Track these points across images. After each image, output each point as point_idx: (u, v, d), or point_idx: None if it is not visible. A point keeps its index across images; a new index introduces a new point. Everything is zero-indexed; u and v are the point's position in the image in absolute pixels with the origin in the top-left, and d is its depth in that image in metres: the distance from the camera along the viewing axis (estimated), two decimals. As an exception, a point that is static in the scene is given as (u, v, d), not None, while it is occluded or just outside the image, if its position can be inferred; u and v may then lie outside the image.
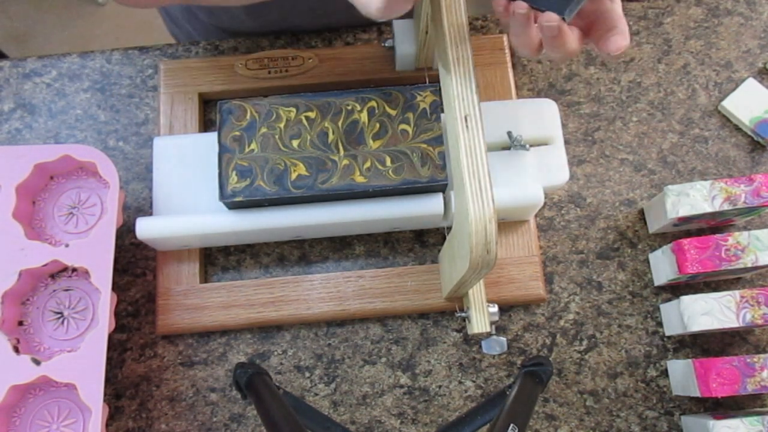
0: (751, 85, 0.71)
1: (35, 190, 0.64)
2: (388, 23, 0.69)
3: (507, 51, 0.71)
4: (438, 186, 0.58)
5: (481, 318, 0.57)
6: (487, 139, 0.62)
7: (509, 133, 0.61)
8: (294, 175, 0.57)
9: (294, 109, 0.58)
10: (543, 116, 0.63)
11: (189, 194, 0.63)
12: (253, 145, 0.57)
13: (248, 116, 0.58)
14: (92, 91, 0.73)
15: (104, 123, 0.71)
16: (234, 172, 0.57)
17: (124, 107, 0.72)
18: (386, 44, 0.67)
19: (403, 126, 0.58)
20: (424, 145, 0.57)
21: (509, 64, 0.71)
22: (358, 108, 0.58)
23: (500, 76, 0.70)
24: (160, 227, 0.60)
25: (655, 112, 0.71)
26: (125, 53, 0.74)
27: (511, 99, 0.69)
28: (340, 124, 0.58)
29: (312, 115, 0.58)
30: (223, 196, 0.56)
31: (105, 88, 0.73)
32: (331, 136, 0.58)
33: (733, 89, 0.71)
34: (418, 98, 0.59)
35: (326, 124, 0.58)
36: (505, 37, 0.71)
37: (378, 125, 0.58)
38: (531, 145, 0.62)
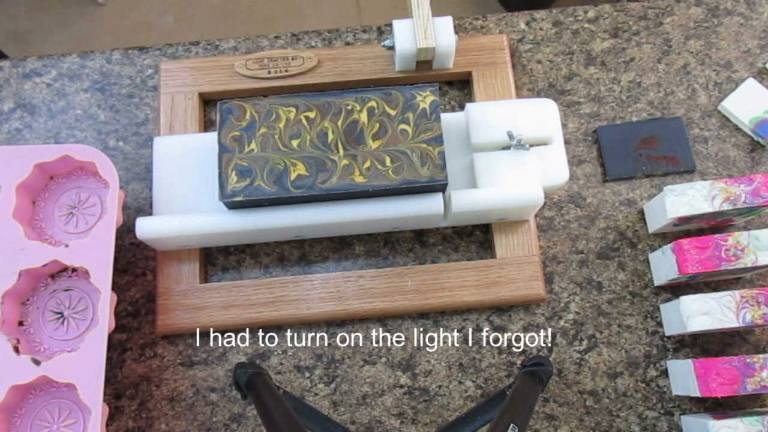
0: (751, 85, 0.71)
1: (35, 190, 0.64)
2: (388, 23, 0.69)
3: (507, 51, 0.71)
4: (438, 186, 0.58)
5: None
6: (487, 139, 0.62)
7: (509, 133, 0.61)
8: (294, 175, 0.57)
9: (294, 109, 0.58)
10: (543, 116, 0.63)
11: (189, 194, 0.63)
12: (252, 145, 0.57)
13: (248, 116, 0.58)
14: (92, 91, 0.73)
15: (104, 123, 0.71)
16: (234, 172, 0.57)
17: (124, 107, 0.72)
18: (386, 44, 0.67)
19: (402, 126, 0.58)
20: (424, 145, 0.57)
21: (509, 64, 0.71)
22: (358, 108, 0.58)
23: (500, 76, 0.70)
24: (160, 227, 0.60)
25: (655, 112, 0.71)
26: (125, 53, 0.74)
27: (511, 99, 0.69)
28: (339, 124, 0.58)
29: (312, 115, 0.58)
30: (223, 195, 0.56)
31: (105, 88, 0.73)
32: (330, 136, 0.58)
33: (733, 89, 0.71)
34: (418, 98, 0.59)
35: (326, 124, 0.58)
36: (504, 37, 0.72)
37: (378, 125, 0.58)
38: (531, 145, 0.62)
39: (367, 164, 0.57)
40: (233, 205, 0.58)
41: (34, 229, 0.63)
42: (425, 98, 0.59)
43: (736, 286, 0.66)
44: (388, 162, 0.57)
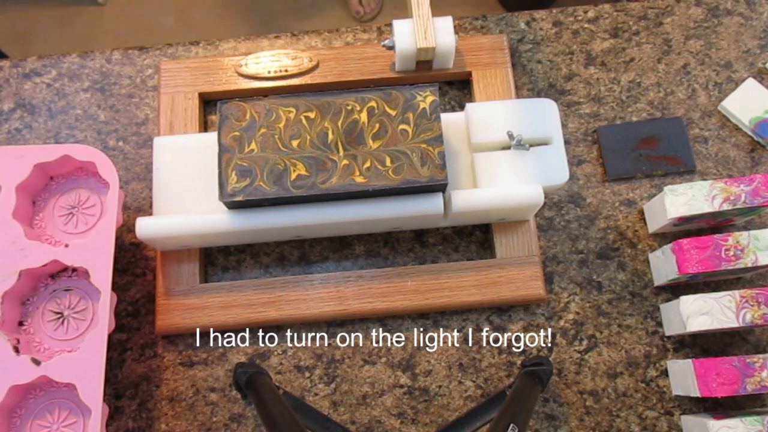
0: (751, 85, 0.71)
1: (35, 190, 0.64)
2: (388, 23, 0.69)
3: (507, 51, 0.71)
4: (438, 186, 0.58)
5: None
6: (487, 139, 0.62)
7: (509, 133, 0.61)
8: (294, 175, 0.57)
9: (294, 109, 0.58)
10: (543, 116, 0.63)
11: (189, 194, 0.63)
12: (252, 145, 0.57)
13: (248, 116, 0.58)
14: (92, 91, 0.73)
15: (104, 123, 0.71)
16: (234, 172, 0.57)
17: (124, 107, 0.72)
18: (386, 44, 0.67)
19: (402, 126, 0.58)
20: (424, 145, 0.57)
21: (509, 64, 0.71)
22: (358, 108, 0.58)
23: (500, 76, 0.70)
24: (160, 227, 0.60)
25: (655, 112, 0.71)
26: (125, 53, 0.74)
27: (511, 99, 0.69)
28: (339, 124, 0.58)
29: (312, 115, 0.58)
30: (223, 195, 0.56)
31: (105, 88, 0.73)
32: (330, 136, 0.58)
33: (733, 89, 0.71)
34: (418, 98, 0.59)
35: (326, 124, 0.58)
36: (504, 37, 0.72)
37: (378, 125, 0.58)
38: (531, 145, 0.62)
39: (367, 164, 0.57)
40: (233, 205, 0.58)
41: (34, 229, 0.63)
42: (425, 98, 0.59)
43: (736, 286, 0.66)
44: (388, 162, 0.57)
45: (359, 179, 0.57)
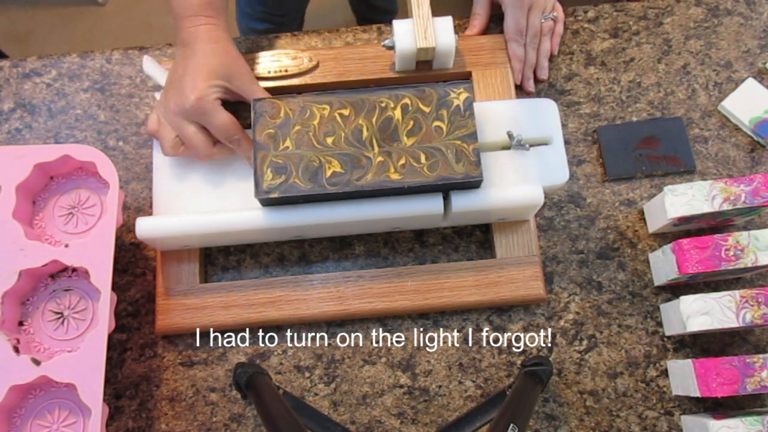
0: (751, 85, 0.71)
1: (35, 190, 0.64)
2: (389, 23, 0.69)
3: (507, 51, 0.71)
4: (473, 182, 0.57)
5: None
6: (487, 139, 0.62)
7: (509, 133, 0.61)
8: (329, 172, 0.57)
9: (328, 107, 0.58)
10: (543, 116, 0.63)
11: (189, 194, 0.63)
12: (287, 143, 0.57)
13: (282, 113, 0.58)
14: (92, 91, 0.73)
15: (104, 123, 0.71)
16: (269, 169, 0.57)
17: (124, 107, 0.72)
18: (386, 44, 0.67)
19: (437, 123, 0.58)
20: (459, 142, 0.57)
21: (509, 64, 0.71)
22: (392, 105, 0.58)
23: (500, 76, 0.70)
24: (160, 227, 0.60)
25: (655, 112, 0.71)
26: (125, 53, 0.74)
27: (511, 99, 0.69)
28: (374, 121, 0.58)
29: (346, 112, 0.58)
30: (258, 192, 0.56)
31: (105, 88, 0.73)
32: (365, 133, 0.58)
33: (733, 89, 0.71)
34: (452, 95, 0.59)
35: (360, 121, 0.58)
36: (504, 37, 0.71)
37: (412, 122, 0.58)
38: (531, 145, 0.62)
39: (402, 161, 0.57)
40: (268, 202, 0.58)
41: (34, 229, 0.63)
42: (459, 95, 0.59)
43: (736, 286, 0.66)
44: (423, 159, 0.57)
45: (394, 176, 0.56)
